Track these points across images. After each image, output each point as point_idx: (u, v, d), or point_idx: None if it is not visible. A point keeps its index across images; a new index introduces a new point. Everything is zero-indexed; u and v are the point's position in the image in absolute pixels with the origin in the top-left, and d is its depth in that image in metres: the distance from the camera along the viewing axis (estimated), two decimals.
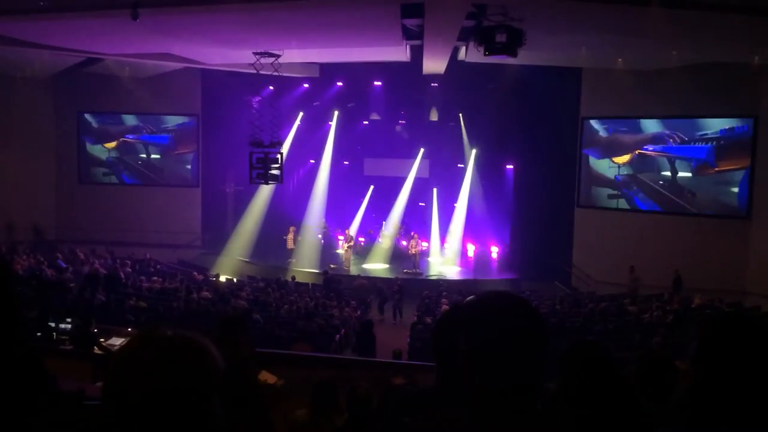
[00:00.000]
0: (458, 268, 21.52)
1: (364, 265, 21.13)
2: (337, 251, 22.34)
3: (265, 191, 21.71)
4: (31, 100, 20.97)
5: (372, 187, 23.74)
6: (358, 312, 15.71)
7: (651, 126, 18.49)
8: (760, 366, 1.47)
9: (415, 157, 23.30)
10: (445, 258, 22.36)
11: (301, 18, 12.37)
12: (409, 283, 19.22)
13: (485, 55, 11.37)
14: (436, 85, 20.60)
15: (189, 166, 23.25)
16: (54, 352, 8.26)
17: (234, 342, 5.57)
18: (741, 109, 16.99)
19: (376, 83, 21.15)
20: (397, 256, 21.73)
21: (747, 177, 16.97)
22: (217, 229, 23.11)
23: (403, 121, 23.11)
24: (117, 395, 1.17)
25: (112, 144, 23.44)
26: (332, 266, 20.87)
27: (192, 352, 1.22)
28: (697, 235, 17.46)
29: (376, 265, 21.25)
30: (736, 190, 17.22)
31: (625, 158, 18.95)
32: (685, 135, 17.95)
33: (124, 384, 1.17)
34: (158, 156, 23.31)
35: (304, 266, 20.52)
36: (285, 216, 22.44)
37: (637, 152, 18.74)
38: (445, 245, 22.83)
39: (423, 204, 23.66)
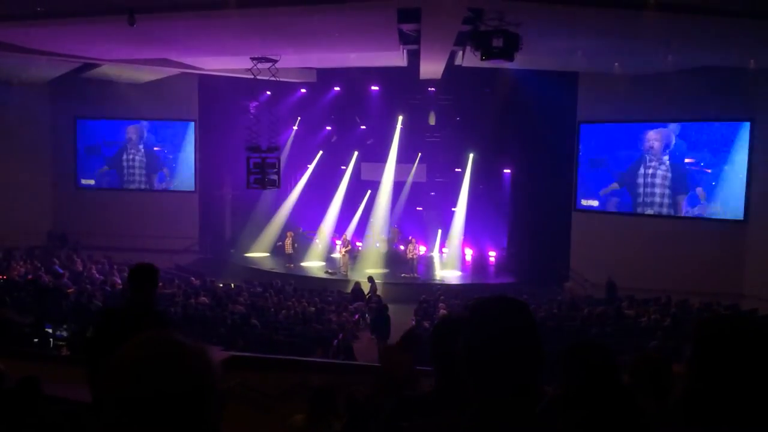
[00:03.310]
0: (456, 273, 21.51)
1: (366, 270, 21.07)
2: (333, 255, 22.37)
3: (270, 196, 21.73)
4: (28, 106, 20.96)
5: (369, 191, 23.73)
6: (356, 317, 15.71)
7: (647, 130, 18.53)
8: (756, 368, 1.47)
9: (413, 162, 23.31)
10: (443, 262, 22.36)
11: (298, 23, 12.39)
12: (407, 288, 19.22)
13: (482, 59, 11.41)
14: (433, 89, 20.66)
15: (186, 171, 23.22)
16: (51, 358, 8.24)
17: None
18: (737, 113, 17.05)
19: (373, 88, 21.18)
20: (394, 260, 21.72)
21: (744, 180, 17.02)
22: (215, 234, 23.10)
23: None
24: (114, 397, 1.18)
25: (109, 149, 23.44)
26: (329, 271, 20.88)
27: (188, 355, 1.22)
28: (694, 238, 17.49)
29: (374, 271, 21.22)
30: (733, 193, 17.26)
31: (622, 161, 19.03)
32: (682, 138, 18.01)
33: (122, 386, 1.18)
34: (155, 161, 23.30)
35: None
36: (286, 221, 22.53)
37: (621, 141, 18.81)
38: (443, 249, 22.84)
39: (420, 208, 23.68)
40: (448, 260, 22.12)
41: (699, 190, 17.79)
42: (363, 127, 22.89)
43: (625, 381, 2.96)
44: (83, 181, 23.58)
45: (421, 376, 3.85)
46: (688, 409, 1.54)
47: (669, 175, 18.21)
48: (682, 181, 18.03)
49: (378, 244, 22.56)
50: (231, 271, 20.79)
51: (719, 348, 1.52)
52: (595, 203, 19.60)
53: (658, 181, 18.40)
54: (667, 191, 18.27)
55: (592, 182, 19.68)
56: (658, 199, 18.46)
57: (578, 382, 2.53)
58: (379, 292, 17.33)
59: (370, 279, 18.22)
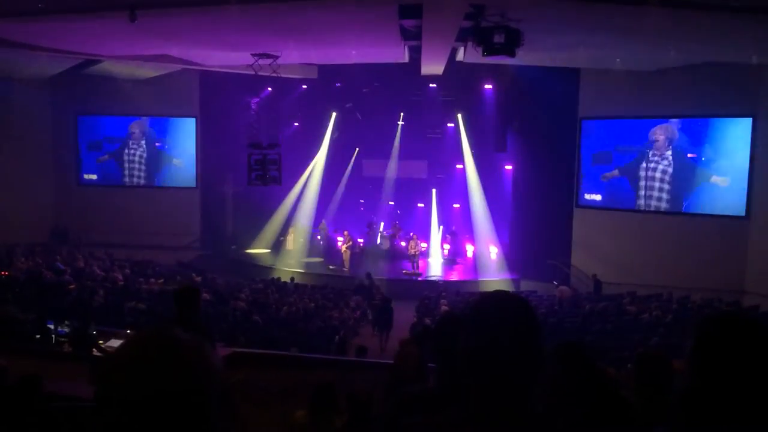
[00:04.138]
0: (458, 269, 21.52)
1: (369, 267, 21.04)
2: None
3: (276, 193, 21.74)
4: (29, 102, 20.96)
5: (370, 188, 23.75)
6: (357, 313, 15.73)
7: (650, 126, 18.49)
8: (756, 365, 1.46)
9: (414, 158, 23.30)
10: (445, 258, 22.37)
11: (299, 19, 12.37)
12: (409, 284, 19.23)
13: (483, 55, 11.38)
14: (434, 86, 20.65)
15: (188, 168, 23.22)
16: (53, 354, 8.25)
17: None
18: (739, 108, 17.00)
19: (374, 84, 21.15)
20: (396, 256, 21.73)
21: (746, 176, 16.99)
22: (217, 231, 23.11)
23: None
24: (114, 396, 1.17)
25: (111, 145, 23.44)
26: (331, 267, 20.90)
27: (189, 353, 1.22)
28: (696, 234, 17.46)
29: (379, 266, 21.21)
30: (735, 189, 17.22)
31: (623, 158, 18.99)
32: (684, 134, 17.97)
33: (122, 385, 1.17)
34: (156, 157, 23.30)
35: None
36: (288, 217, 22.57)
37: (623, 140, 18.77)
38: (445, 246, 22.86)
39: (422, 205, 23.69)
40: (453, 256, 22.07)
41: (699, 184, 17.71)
42: (359, 116, 22.83)
43: (613, 375, 2.96)
44: (86, 176, 23.57)
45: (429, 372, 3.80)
46: (688, 406, 1.53)
47: (671, 170, 18.16)
48: (684, 177, 17.98)
49: (380, 241, 22.58)
50: (232, 267, 20.84)
51: (719, 345, 1.52)
52: (598, 197, 19.53)
53: (660, 176, 18.34)
54: (669, 187, 18.22)
55: (594, 178, 19.63)
56: (659, 195, 18.41)
57: (560, 381, 2.53)
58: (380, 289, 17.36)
59: (368, 276, 18.25)
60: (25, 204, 21.19)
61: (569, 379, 2.51)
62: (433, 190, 23.39)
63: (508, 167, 21.75)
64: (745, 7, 10.78)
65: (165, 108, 22.53)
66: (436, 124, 22.50)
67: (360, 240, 22.95)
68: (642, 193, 18.69)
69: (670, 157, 18.15)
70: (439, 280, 19.65)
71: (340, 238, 22.00)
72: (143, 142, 23.28)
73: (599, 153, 19.44)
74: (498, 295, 1.63)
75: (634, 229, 18.45)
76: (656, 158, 18.37)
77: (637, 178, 18.71)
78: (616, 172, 19.07)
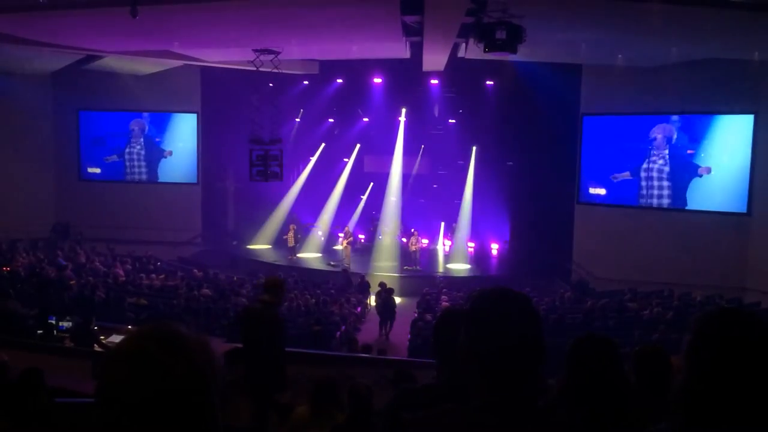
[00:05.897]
0: (458, 265, 21.51)
1: (373, 263, 21.06)
2: (335, 248, 22.41)
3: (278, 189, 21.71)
4: (31, 98, 20.93)
5: (372, 183, 23.74)
6: (358, 309, 15.75)
7: (651, 122, 18.46)
8: (754, 360, 1.46)
9: (416, 154, 23.28)
10: (446, 255, 22.36)
11: (301, 15, 12.35)
12: (410, 280, 19.24)
13: (485, 51, 11.35)
14: (436, 82, 20.61)
15: (189, 163, 23.21)
16: (54, 349, 8.26)
17: None
18: (741, 105, 16.97)
19: (375, 80, 21.13)
20: (397, 253, 21.73)
21: (748, 173, 16.97)
22: (218, 227, 23.12)
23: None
24: (114, 396, 1.16)
25: (114, 141, 23.43)
26: (332, 263, 20.91)
27: (190, 348, 1.21)
28: (697, 231, 17.45)
29: (382, 263, 21.22)
30: (736, 186, 17.20)
31: (626, 154, 18.96)
32: (685, 131, 17.94)
33: (122, 385, 1.16)
34: (158, 153, 23.28)
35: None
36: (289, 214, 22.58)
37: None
38: (446, 242, 22.85)
39: (423, 201, 23.67)
40: (455, 252, 22.08)
41: (700, 181, 17.67)
42: (366, 119, 22.86)
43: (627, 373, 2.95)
44: (89, 170, 23.54)
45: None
46: (687, 402, 1.53)
47: (668, 170, 18.13)
48: (684, 174, 17.95)
49: (380, 237, 22.58)
50: (233, 263, 20.85)
51: (718, 340, 1.51)
52: (602, 191, 19.48)
53: (657, 175, 18.32)
54: (669, 184, 18.19)
55: (596, 174, 19.58)
56: (659, 193, 18.38)
57: (582, 374, 2.53)
58: (371, 285, 17.36)
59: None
60: (27, 199, 21.22)
61: (591, 373, 2.50)
62: (434, 186, 23.36)
63: (510, 163, 21.73)
64: (747, 3, 10.75)
65: (166, 104, 22.51)
66: (438, 120, 22.47)
67: (361, 236, 22.95)
68: (644, 191, 18.66)
69: (667, 157, 18.11)
70: (439, 276, 19.65)
71: (340, 234, 21.99)
72: (141, 139, 23.25)
73: (601, 150, 19.40)
74: (498, 290, 1.64)
75: (635, 225, 18.43)
76: (655, 157, 18.35)
77: (639, 176, 18.68)
78: (627, 174, 18.99)
